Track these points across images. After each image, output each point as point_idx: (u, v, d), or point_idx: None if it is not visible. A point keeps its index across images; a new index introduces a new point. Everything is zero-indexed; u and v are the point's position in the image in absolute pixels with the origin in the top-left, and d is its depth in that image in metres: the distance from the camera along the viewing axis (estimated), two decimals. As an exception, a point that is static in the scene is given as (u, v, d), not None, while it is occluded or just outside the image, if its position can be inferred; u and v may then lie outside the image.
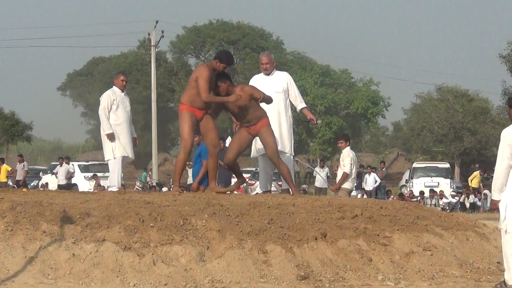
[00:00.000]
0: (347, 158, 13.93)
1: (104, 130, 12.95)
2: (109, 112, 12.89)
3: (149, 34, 45.28)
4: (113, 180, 13.09)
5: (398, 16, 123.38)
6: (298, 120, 45.87)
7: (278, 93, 11.51)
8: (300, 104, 11.78)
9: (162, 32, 44.86)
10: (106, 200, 9.14)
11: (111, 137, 12.86)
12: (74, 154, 62.70)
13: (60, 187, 29.94)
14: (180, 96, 11.06)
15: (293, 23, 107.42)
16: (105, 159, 13.24)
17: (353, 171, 14.05)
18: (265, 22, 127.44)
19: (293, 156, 11.97)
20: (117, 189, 12.52)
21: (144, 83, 56.27)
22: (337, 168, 15.00)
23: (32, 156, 61.07)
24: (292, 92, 11.68)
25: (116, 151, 12.96)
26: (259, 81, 11.67)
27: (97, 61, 65.79)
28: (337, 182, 14.13)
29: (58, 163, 33.43)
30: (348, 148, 14.14)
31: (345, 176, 13.88)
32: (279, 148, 11.33)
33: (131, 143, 13.11)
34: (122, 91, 13.11)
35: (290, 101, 11.84)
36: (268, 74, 11.71)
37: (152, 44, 45.02)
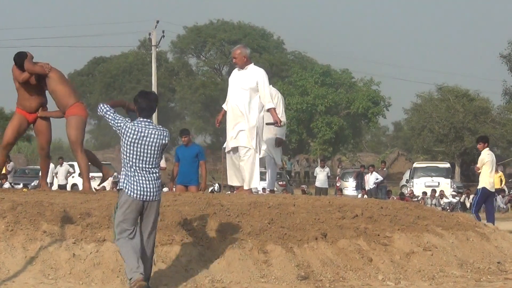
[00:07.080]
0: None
1: None
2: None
3: (149, 34, 45.19)
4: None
5: (399, 16, 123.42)
6: (299, 120, 46.03)
7: (244, 90, 11.08)
8: (268, 104, 11.07)
9: (163, 32, 44.79)
10: (107, 200, 9.14)
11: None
12: (75, 154, 62.41)
13: (60, 187, 29.94)
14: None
15: (294, 23, 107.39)
16: None
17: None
18: (266, 22, 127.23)
19: (259, 153, 11.12)
20: (256, 192, 11.49)
21: (145, 83, 56.27)
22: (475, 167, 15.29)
23: (32, 156, 60.87)
24: (261, 91, 11.02)
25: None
26: (233, 76, 11.28)
27: (97, 61, 65.77)
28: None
29: (58, 163, 33.38)
30: (487, 149, 14.81)
31: None
32: (236, 144, 11.05)
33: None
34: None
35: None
36: (242, 69, 11.15)
37: (152, 44, 44.96)
